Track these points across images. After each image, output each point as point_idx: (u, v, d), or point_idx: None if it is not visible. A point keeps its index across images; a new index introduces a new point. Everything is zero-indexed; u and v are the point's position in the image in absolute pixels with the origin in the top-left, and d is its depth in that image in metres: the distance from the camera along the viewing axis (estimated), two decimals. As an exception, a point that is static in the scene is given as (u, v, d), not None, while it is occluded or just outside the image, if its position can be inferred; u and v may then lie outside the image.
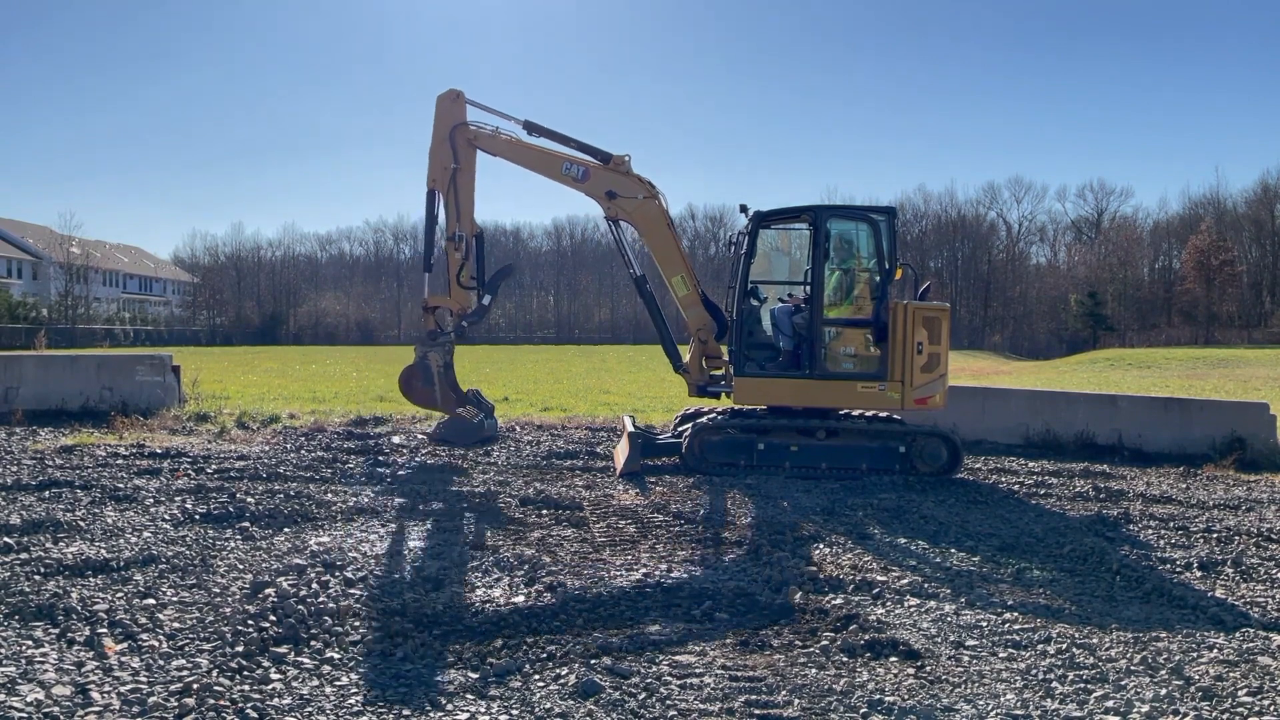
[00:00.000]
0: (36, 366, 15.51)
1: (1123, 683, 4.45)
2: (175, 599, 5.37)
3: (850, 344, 10.46)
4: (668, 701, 4.14)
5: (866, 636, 4.98)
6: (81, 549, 6.34)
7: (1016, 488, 9.87)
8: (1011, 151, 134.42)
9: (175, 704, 3.92)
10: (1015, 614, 5.49)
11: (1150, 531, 7.86)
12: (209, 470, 9.71)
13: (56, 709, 3.85)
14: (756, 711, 4.05)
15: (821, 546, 7.02)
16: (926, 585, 6.04)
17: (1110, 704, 4.20)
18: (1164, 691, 4.35)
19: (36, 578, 5.69)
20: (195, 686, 4.07)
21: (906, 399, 10.11)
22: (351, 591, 5.54)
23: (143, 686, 4.11)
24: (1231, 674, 4.56)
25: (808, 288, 10.57)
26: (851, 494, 9.16)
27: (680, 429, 11.25)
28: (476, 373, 26.55)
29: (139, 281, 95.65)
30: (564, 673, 4.43)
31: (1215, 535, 7.72)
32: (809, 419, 10.40)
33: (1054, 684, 4.42)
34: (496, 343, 78.01)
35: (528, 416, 15.45)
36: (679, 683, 4.35)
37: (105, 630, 4.77)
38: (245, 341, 79.01)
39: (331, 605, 5.21)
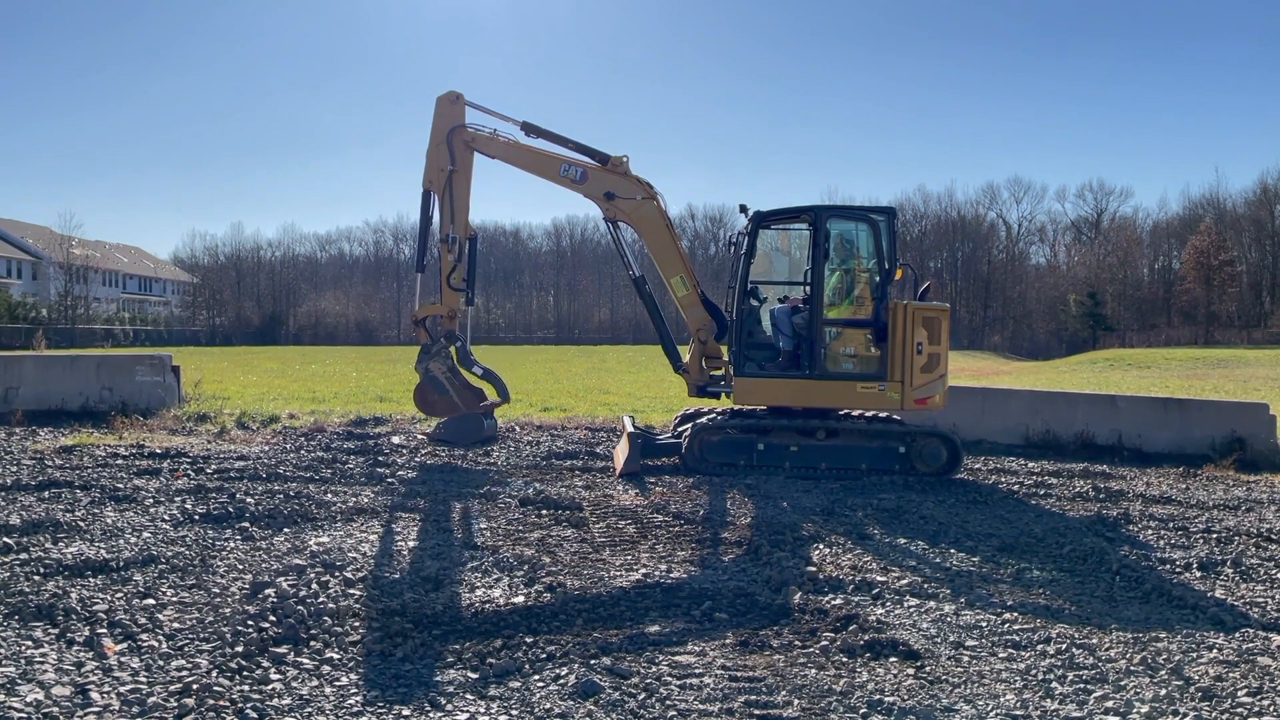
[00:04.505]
0: (36, 367, 15.50)
1: (1123, 683, 4.45)
2: (175, 599, 5.37)
3: (850, 344, 10.46)
4: (667, 701, 4.14)
5: (866, 637, 4.98)
6: (81, 549, 6.34)
7: (1016, 488, 9.87)
8: (1011, 151, 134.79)
9: (175, 704, 3.92)
10: (1015, 614, 5.49)
11: (1150, 531, 7.86)
12: (209, 470, 9.71)
13: (56, 709, 3.85)
14: (756, 711, 4.05)
15: (821, 546, 7.02)
16: (926, 585, 6.04)
17: (1110, 704, 4.20)
18: (1164, 691, 4.35)
19: (36, 578, 5.69)
20: (195, 686, 4.06)
21: (906, 399, 10.10)
22: (351, 591, 5.54)
23: (142, 686, 4.11)
24: (1231, 674, 4.56)
25: (807, 288, 10.57)
26: (851, 494, 9.15)
27: (680, 429, 11.24)
28: (476, 373, 26.51)
29: (139, 281, 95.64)
30: (564, 673, 4.43)
31: (1215, 535, 7.72)
32: (809, 419, 10.40)
33: (1054, 684, 4.42)
34: (496, 343, 78.00)
35: (528, 416, 15.45)
36: (679, 683, 4.35)
37: (105, 630, 4.77)
38: (245, 341, 78.98)
39: (331, 605, 5.21)
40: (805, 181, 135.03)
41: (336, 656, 4.57)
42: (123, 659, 4.44)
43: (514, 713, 4.00)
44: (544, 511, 8.09)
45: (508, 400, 12.83)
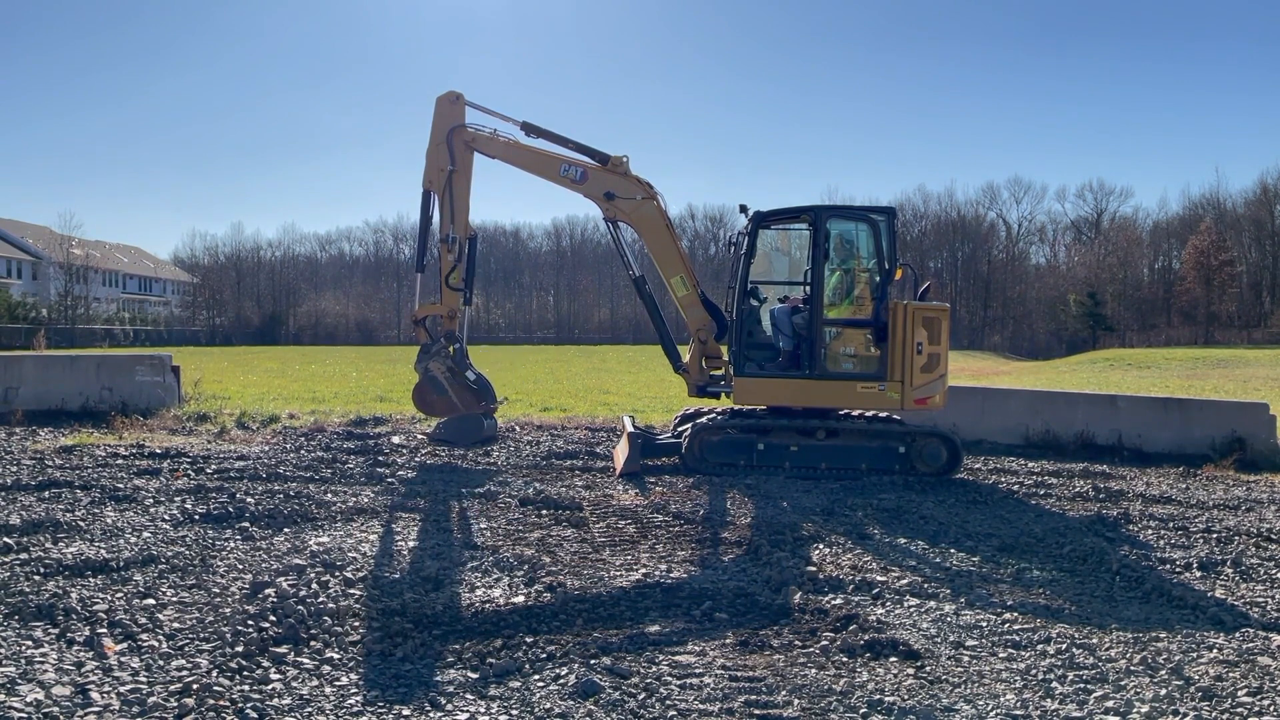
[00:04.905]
0: (36, 366, 15.50)
1: (1123, 683, 4.45)
2: (175, 599, 5.37)
3: (850, 344, 10.45)
4: (667, 701, 4.14)
5: (866, 636, 4.98)
6: (81, 549, 6.34)
7: (1016, 488, 9.87)
8: (1011, 151, 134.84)
9: (175, 704, 3.92)
10: (1015, 614, 5.49)
11: (1150, 531, 7.86)
12: (209, 470, 9.71)
13: (56, 709, 3.85)
14: (756, 711, 4.05)
15: (821, 546, 7.02)
16: (926, 585, 6.04)
17: (1110, 704, 4.20)
18: (1164, 691, 4.35)
19: (36, 578, 5.69)
20: (195, 686, 4.07)
21: (906, 399, 10.10)
22: (351, 591, 5.54)
23: (142, 686, 4.11)
24: (1231, 674, 4.56)
25: (807, 288, 10.57)
26: (851, 494, 9.15)
27: (680, 429, 11.24)
28: (476, 373, 26.50)
29: (139, 281, 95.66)
30: (564, 673, 4.43)
31: (1215, 535, 7.72)
32: (809, 419, 10.40)
33: (1054, 684, 4.42)
34: (496, 343, 77.98)
35: (528, 416, 15.45)
36: (679, 683, 4.35)
37: (105, 630, 4.77)
38: (245, 341, 78.97)
39: (331, 605, 5.21)
40: (805, 181, 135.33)
41: (336, 656, 4.57)
42: (123, 659, 4.44)
43: (514, 713, 4.00)
44: (544, 511, 8.09)
45: (496, 406, 12.77)
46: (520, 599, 5.54)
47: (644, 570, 6.26)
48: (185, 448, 11.28)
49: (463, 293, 11.84)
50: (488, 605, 5.41)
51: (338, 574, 5.88)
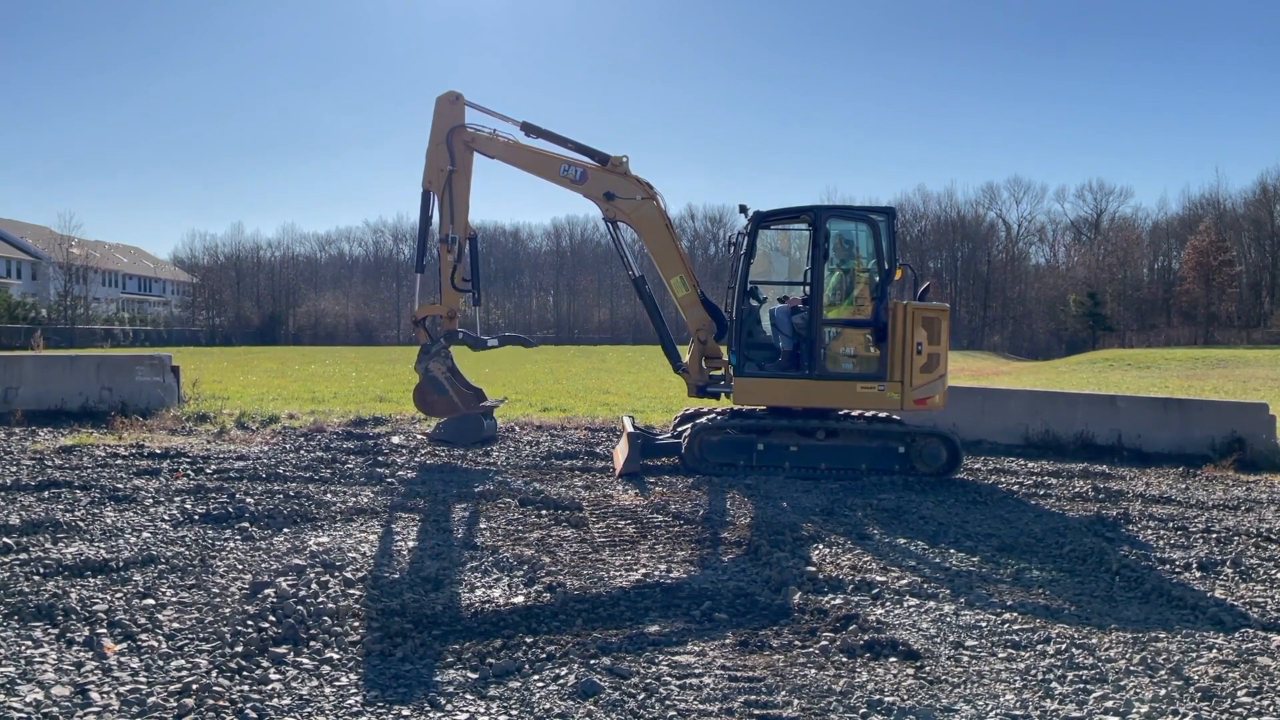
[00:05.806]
0: (36, 367, 15.49)
1: (1122, 683, 4.45)
2: (175, 599, 5.37)
3: (850, 344, 10.45)
4: (667, 702, 4.14)
5: (866, 637, 4.98)
6: (81, 549, 6.34)
7: (1016, 488, 9.87)
8: (1011, 151, 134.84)
9: (175, 704, 3.92)
10: (1015, 614, 5.49)
11: (1150, 531, 7.86)
12: (208, 470, 9.71)
13: (56, 709, 3.85)
14: (756, 711, 4.05)
15: (821, 547, 7.02)
16: (926, 585, 6.04)
17: (1110, 704, 4.20)
18: (1163, 691, 4.35)
19: (36, 578, 5.69)
20: (195, 686, 4.06)
21: (906, 399, 10.10)
22: (351, 591, 5.54)
23: (142, 687, 4.11)
24: (1231, 674, 4.56)
25: (807, 288, 10.57)
26: (851, 494, 9.15)
27: (680, 429, 11.24)
28: (476, 372, 26.37)
29: (138, 281, 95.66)
30: (563, 673, 4.43)
31: (1215, 535, 7.72)
32: (808, 419, 10.40)
33: (1053, 684, 4.43)
34: (496, 343, 77.88)
35: (527, 416, 15.44)
36: (678, 683, 4.35)
37: (105, 630, 4.77)
38: (245, 342, 78.94)
39: (331, 605, 5.21)
40: (805, 181, 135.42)
41: (336, 656, 4.57)
42: (123, 659, 4.44)
43: (514, 713, 4.00)
44: (544, 511, 8.09)
45: (533, 345, 13.01)
46: (520, 599, 5.54)
47: (644, 570, 6.26)
48: (185, 448, 11.28)
49: (469, 293, 11.87)
50: (487, 605, 5.41)
51: (337, 574, 5.88)
